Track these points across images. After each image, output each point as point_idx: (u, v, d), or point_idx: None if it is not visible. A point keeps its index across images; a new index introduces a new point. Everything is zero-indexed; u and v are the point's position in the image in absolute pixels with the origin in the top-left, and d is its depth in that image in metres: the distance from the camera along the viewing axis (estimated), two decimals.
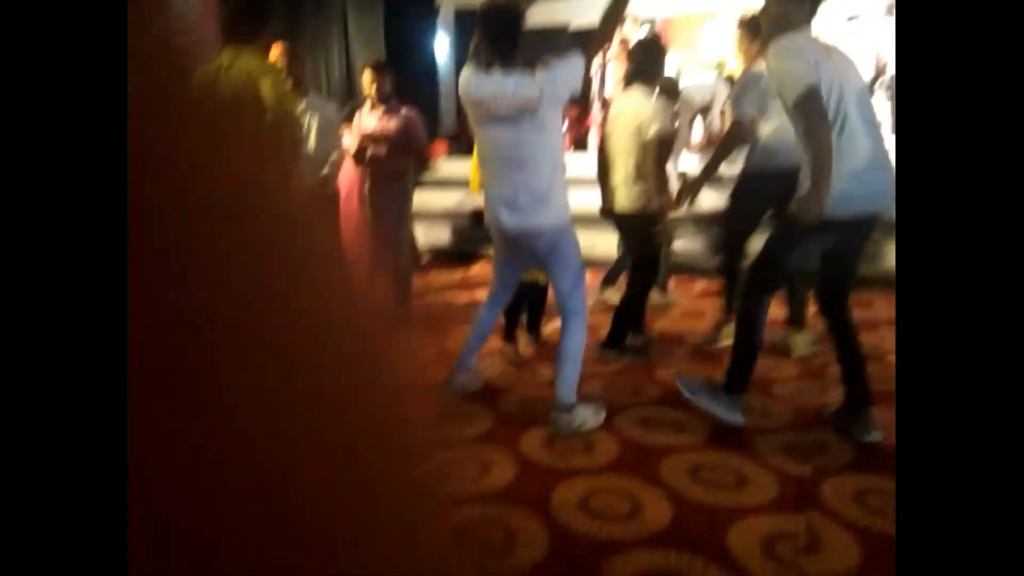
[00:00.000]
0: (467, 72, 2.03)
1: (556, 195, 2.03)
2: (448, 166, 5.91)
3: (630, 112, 2.63)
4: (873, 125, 1.82)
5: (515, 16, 1.97)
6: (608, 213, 2.79)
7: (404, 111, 3.36)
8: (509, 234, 2.08)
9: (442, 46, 7.12)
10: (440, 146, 6.55)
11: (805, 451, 1.90)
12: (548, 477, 1.80)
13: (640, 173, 2.61)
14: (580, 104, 7.02)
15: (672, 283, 3.66)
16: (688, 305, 3.57)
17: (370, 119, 3.33)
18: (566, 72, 1.95)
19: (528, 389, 2.47)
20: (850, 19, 6.17)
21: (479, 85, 1.99)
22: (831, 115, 1.70)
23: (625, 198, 2.67)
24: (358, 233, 4.18)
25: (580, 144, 6.89)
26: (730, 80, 4.58)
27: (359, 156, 3.33)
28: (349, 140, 3.42)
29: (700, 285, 3.94)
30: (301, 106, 2.55)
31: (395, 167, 3.36)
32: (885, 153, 1.82)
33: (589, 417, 2.10)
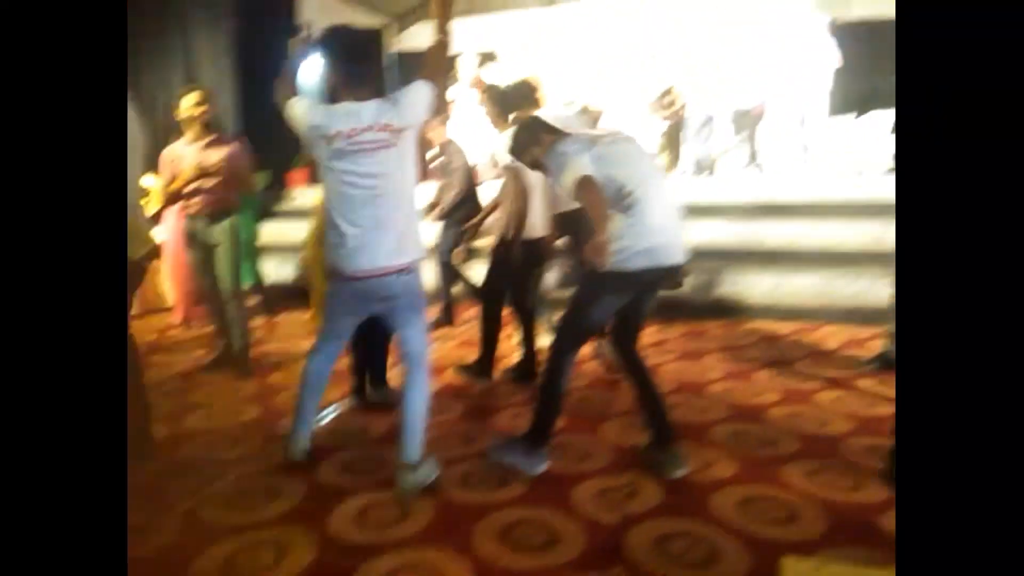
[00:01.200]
0: (305, 105, 1.89)
1: (414, 230, 1.96)
2: (305, 195, 5.61)
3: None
4: (662, 192, 2.01)
5: (370, 41, 1.87)
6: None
7: (226, 143, 3.10)
8: (359, 279, 1.91)
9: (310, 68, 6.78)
10: (300, 175, 6.22)
11: (616, 496, 1.91)
12: (353, 556, 1.66)
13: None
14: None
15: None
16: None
17: (187, 151, 3.04)
18: (415, 100, 1.89)
19: (359, 447, 2.32)
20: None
21: (330, 116, 1.85)
22: (614, 197, 1.89)
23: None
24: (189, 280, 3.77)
25: None
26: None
27: (174, 196, 3.03)
28: (159, 176, 3.11)
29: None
30: None
31: (220, 203, 3.09)
32: (674, 215, 2.01)
33: (432, 471, 1.99)
